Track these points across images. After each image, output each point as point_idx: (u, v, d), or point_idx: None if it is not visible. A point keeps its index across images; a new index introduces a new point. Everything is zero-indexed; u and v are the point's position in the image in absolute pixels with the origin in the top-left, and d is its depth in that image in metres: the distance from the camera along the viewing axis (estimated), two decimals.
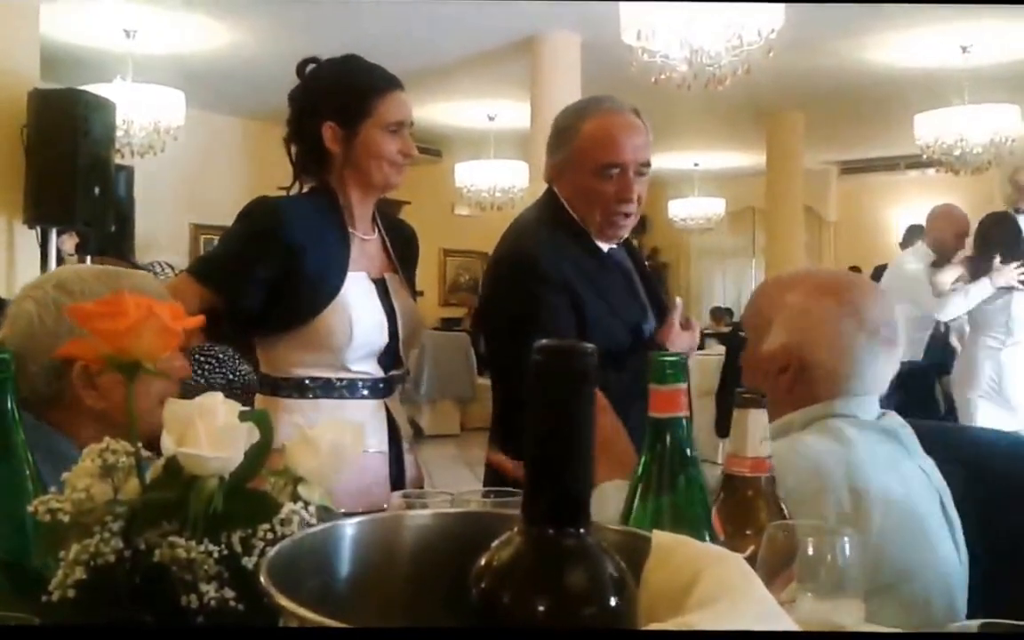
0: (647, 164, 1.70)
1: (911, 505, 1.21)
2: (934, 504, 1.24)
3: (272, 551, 0.59)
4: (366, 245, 1.72)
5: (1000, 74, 6.58)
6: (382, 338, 1.67)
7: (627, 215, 1.70)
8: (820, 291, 1.31)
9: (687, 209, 11.36)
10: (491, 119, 8.45)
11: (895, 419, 1.30)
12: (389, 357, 1.71)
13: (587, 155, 1.68)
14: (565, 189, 1.73)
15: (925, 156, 7.02)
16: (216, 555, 0.65)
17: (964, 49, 6.31)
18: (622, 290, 1.77)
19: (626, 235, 1.78)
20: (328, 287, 1.61)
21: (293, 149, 1.72)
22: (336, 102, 1.64)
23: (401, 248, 1.80)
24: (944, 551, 1.22)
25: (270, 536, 0.67)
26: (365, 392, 1.67)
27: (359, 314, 1.63)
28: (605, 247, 1.76)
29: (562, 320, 1.62)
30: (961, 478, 1.30)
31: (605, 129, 1.68)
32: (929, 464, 1.28)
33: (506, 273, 1.73)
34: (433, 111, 7.94)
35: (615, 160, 1.67)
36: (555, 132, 1.75)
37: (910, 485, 1.23)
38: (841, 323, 1.27)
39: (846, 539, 0.74)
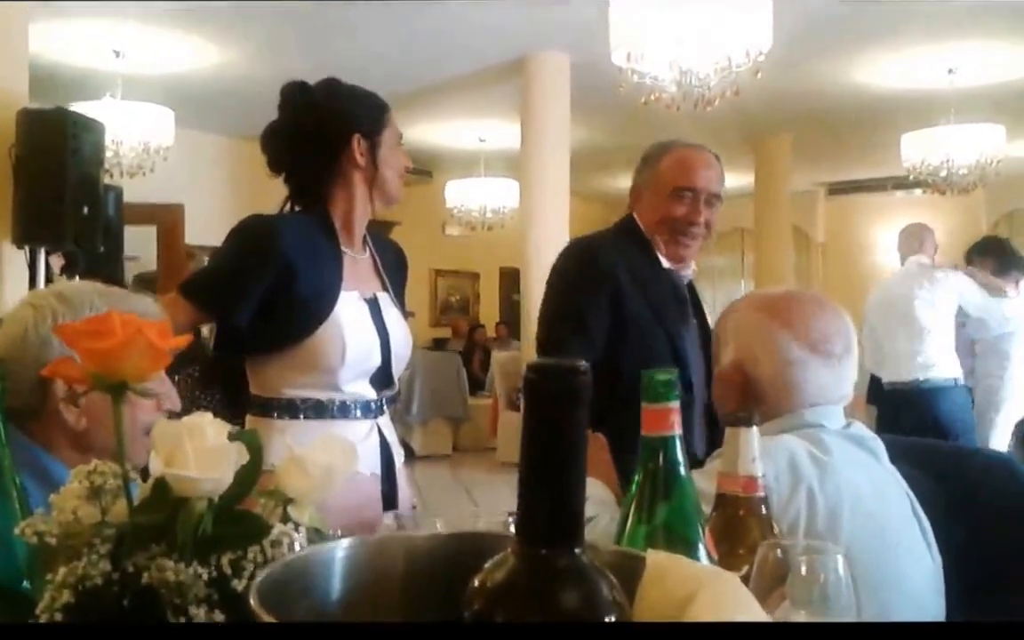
0: (718, 196, 1.91)
1: (884, 510, 1.21)
2: (905, 507, 1.25)
3: (262, 573, 0.58)
4: (358, 264, 1.72)
5: (986, 95, 6.66)
6: (375, 358, 1.67)
7: (693, 237, 1.89)
8: (758, 307, 1.35)
9: None
10: (482, 140, 8.48)
11: (862, 429, 1.32)
12: (381, 377, 1.70)
13: (666, 178, 1.91)
14: (642, 209, 1.95)
15: (912, 177, 7.09)
16: (206, 577, 0.64)
17: (950, 70, 6.39)
18: (672, 307, 1.91)
19: (689, 259, 1.94)
20: (321, 307, 1.60)
21: (301, 171, 1.69)
22: (364, 115, 1.67)
23: (391, 267, 1.80)
24: (918, 554, 1.23)
25: (260, 558, 0.66)
26: (357, 413, 1.66)
27: (352, 334, 1.62)
28: (666, 264, 1.91)
29: (595, 313, 1.81)
30: (934, 493, 1.31)
31: (684, 158, 1.91)
32: (895, 472, 1.28)
33: (560, 262, 1.95)
34: (424, 131, 7.96)
35: (689, 185, 1.89)
36: (642, 159, 1.98)
37: (883, 492, 1.23)
38: (776, 337, 1.29)
39: (839, 558, 0.73)
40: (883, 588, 1.15)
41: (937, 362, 4.03)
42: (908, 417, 3.98)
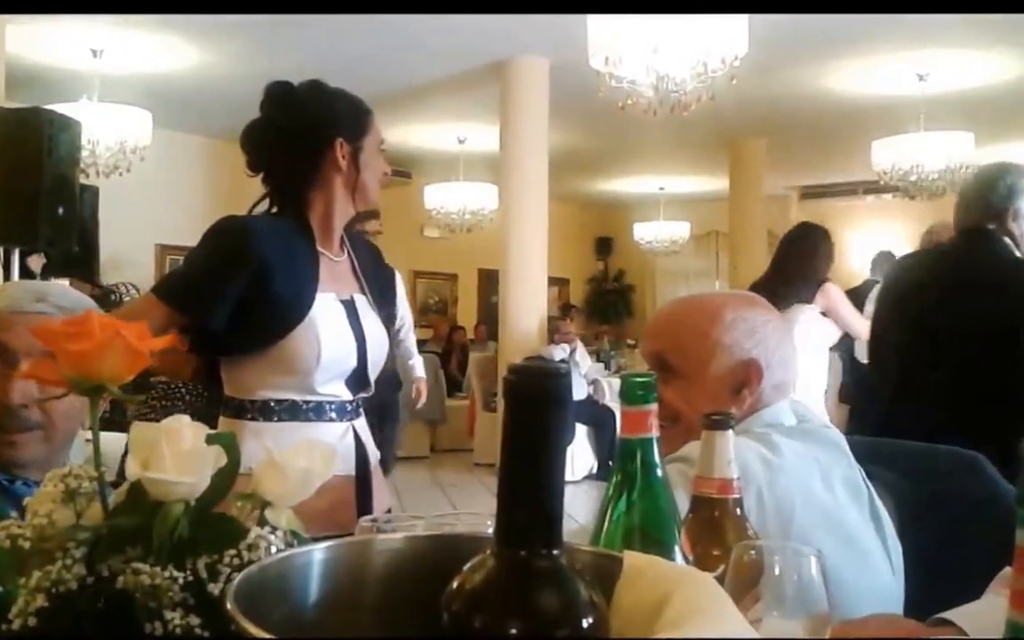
0: None
1: (838, 509, 1.22)
2: (862, 505, 1.26)
3: (239, 577, 0.58)
4: (335, 266, 1.72)
5: (955, 102, 6.77)
6: (350, 360, 1.66)
7: None
8: (693, 305, 1.35)
9: (652, 232, 11.50)
10: (461, 142, 8.48)
11: (816, 421, 1.32)
12: (357, 379, 1.69)
13: None
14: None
15: (882, 182, 7.20)
16: (181, 581, 0.64)
17: (921, 77, 6.49)
18: None
19: None
20: (297, 308, 1.60)
21: (281, 171, 1.68)
22: (348, 119, 1.67)
23: (368, 269, 1.80)
24: (875, 554, 1.24)
25: (237, 562, 0.65)
26: (332, 415, 1.66)
27: (328, 336, 1.62)
28: None
29: None
30: (901, 490, 1.32)
31: None
32: (855, 467, 1.28)
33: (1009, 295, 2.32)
34: (403, 133, 7.95)
35: None
36: (1014, 179, 2.45)
37: (834, 488, 1.23)
38: (711, 333, 1.29)
39: (812, 558, 0.75)
40: (838, 585, 1.16)
41: None
42: None
